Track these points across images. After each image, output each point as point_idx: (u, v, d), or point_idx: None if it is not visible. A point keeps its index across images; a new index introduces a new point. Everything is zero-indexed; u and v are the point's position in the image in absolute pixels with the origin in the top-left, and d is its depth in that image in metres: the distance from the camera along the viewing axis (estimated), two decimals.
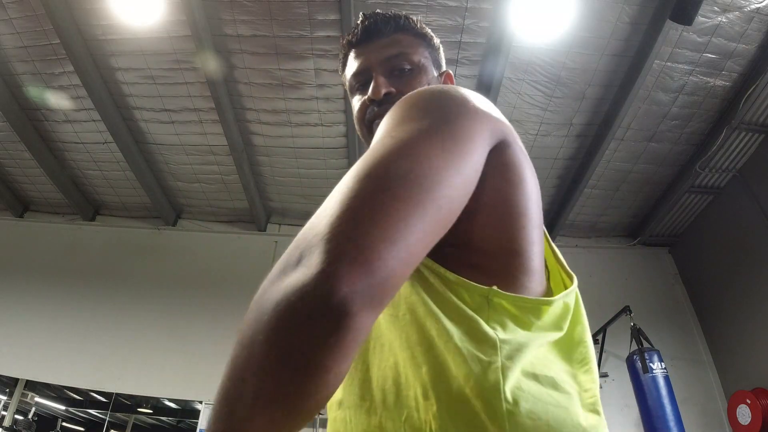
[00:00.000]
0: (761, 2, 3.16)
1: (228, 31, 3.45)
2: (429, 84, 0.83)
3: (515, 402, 0.48)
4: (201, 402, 4.07)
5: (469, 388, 0.49)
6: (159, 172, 4.64)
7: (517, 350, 0.52)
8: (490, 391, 0.49)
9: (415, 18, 0.89)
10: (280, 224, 5.10)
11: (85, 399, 4.80)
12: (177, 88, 3.85)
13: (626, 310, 3.89)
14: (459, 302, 0.54)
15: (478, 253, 0.58)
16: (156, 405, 4.76)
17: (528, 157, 0.67)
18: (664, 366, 3.53)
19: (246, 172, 4.41)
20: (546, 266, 0.66)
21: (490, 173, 0.58)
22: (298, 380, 0.40)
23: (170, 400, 4.65)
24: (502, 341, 0.52)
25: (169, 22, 3.38)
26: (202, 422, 3.92)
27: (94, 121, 4.12)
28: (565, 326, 0.58)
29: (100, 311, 4.44)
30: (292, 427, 0.42)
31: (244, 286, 4.47)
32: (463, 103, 0.59)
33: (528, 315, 0.56)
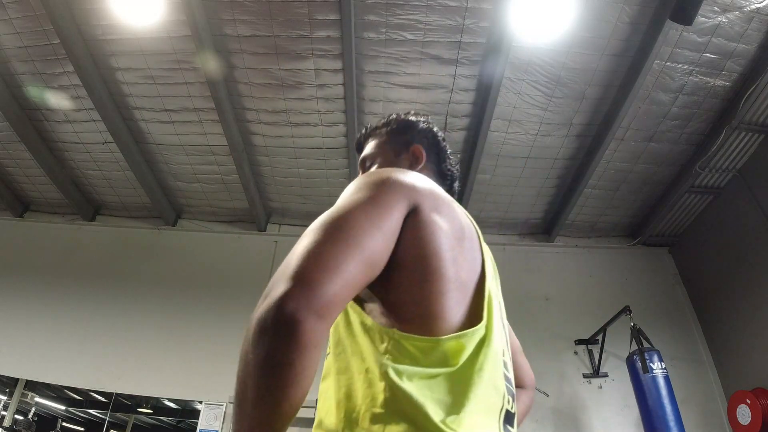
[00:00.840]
0: (761, 2, 3.16)
1: (228, 31, 3.45)
2: (385, 167, 1.05)
3: (384, 420, 0.64)
4: (201, 402, 4.06)
5: (363, 409, 0.66)
6: (159, 172, 4.64)
7: (402, 381, 0.66)
8: (370, 413, 0.65)
9: (383, 119, 1.18)
10: (280, 224, 5.09)
11: (85, 399, 4.80)
12: (177, 88, 3.85)
13: (626, 310, 3.89)
14: (370, 342, 0.71)
15: (389, 304, 0.74)
16: (156, 405, 4.76)
17: (451, 213, 0.82)
18: (664, 366, 3.53)
19: (246, 172, 4.41)
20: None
21: (402, 236, 0.74)
22: (272, 379, 0.59)
23: (170, 400, 4.65)
24: (392, 373, 0.66)
25: (169, 22, 3.38)
26: (202, 422, 3.92)
27: (94, 121, 4.12)
28: (458, 363, 0.70)
29: (100, 311, 4.44)
30: (281, 420, 0.61)
31: (244, 286, 4.50)
32: (384, 181, 0.78)
33: (420, 352, 0.69)
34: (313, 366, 0.62)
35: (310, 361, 0.61)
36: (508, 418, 0.75)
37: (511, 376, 0.82)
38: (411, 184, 0.79)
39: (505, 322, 1.05)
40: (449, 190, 1.09)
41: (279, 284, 0.61)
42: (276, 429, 0.62)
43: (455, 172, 1.13)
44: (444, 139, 1.16)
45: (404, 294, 0.73)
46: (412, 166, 1.07)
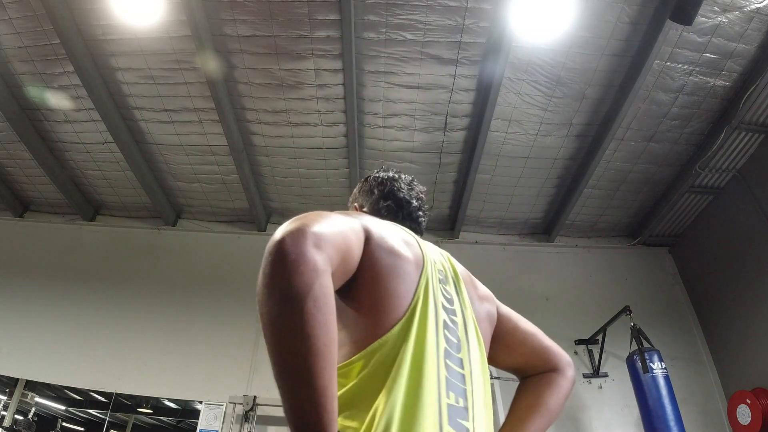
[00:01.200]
0: (761, 2, 3.16)
1: (228, 31, 3.45)
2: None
3: None
4: (201, 402, 4.06)
5: None
6: (159, 172, 4.64)
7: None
8: None
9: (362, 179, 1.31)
10: (280, 224, 5.07)
11: (85, 399, 4.80)
12: (177, 88, 3.85)
13: (626, 310, 3.89)
14: None
15: (342, 328, 0.83)
16: (156, 405, 4.75)
17: (392, 238, 0.90)
18: (664, 366, 3.53)
19: (246, 172, 4.41)
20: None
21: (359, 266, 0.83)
22: (296, 305, 0.61)
23: (170, 400, 4.65)
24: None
25: (169, 22, 3.38)
26: (202, 422, 3.92)
27: (94, 121, 4.12)
28: (362, 373, 0.78)
29: (100, 311, 4.44)
30: (329, 354, 0.62)
31: (244, 286, 4.50)
32: (347, 212, 0.91)
33: (344, 377, 0.78)
34: (331, 294, 0.65)
35: (326, 287, 0.64)
36: (456, 412, 0.78)
37: (462, 371, 0.85)
38: (362, 221, 0.89)
39: (497, 313, 1.10)
40: (395, 216, 1.19)
41: (280, 232, 0.67)
42: (328, 366, 0.61)
43: (398, 204, 1.21)
44: (383, 181, 1.25)
45: (354, 317, 0.84)
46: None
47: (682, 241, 4.92)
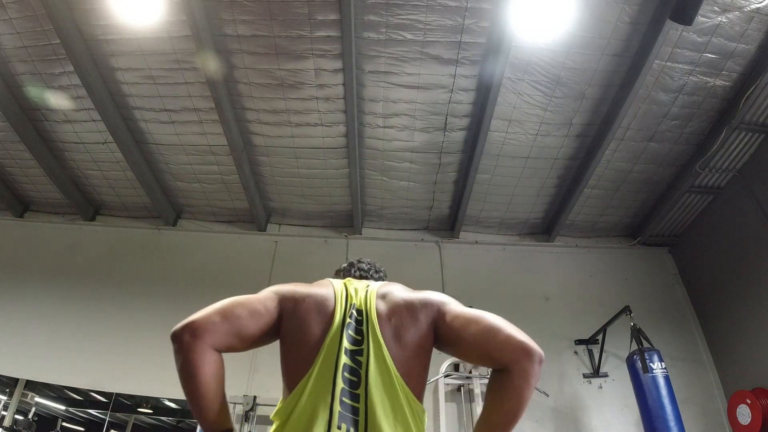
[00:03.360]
0: (761, 2, 3.16)
1: (228, 31, 3.45)
2: None
3: None
4: None
5: None
6: (159, 172, 4.64)
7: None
8: None
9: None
10: (280, 224, 5.09)
11: (85, 399, 4.80)
12: (177, 88, 3.85)
13: (626, 310, 3.89)
14: None
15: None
16: (156, 405, 4.75)
17: (301, 299, 1.21)
18: (664, 366, 3.53)
19: (246, 172, 4.41)
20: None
21: (280, 322, 1.21)
22: (181, 373, 1.15)
23: (170, 400, 4.65)
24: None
25: (169, 22, 3.38)
26: None
27: (94, 121, 4.13)
28: (290, 412, 1.10)
29: (101, 311, 4.44)
30: (206, 413, 1.12)
31: (245, 286, 4.47)
32: (271, 287, 1.29)
33: (276, 414, 1.13)
34: (202, 359, 1.12)
35: (195, 357, 1.12)
36: None
37: (357, 404, 1.07)
38: (274, 290, 1.26)
39: (440, 321, 1.20)
40: (351, 273, 1.56)
41: (173, 329, 1.11)
42: (202, 400, 1.13)
43: (352, 269, 1.59)
44: (350, 264, 1.63)
45: (282, 364, 1.18)
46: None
47: (682, 241, 4.92)
